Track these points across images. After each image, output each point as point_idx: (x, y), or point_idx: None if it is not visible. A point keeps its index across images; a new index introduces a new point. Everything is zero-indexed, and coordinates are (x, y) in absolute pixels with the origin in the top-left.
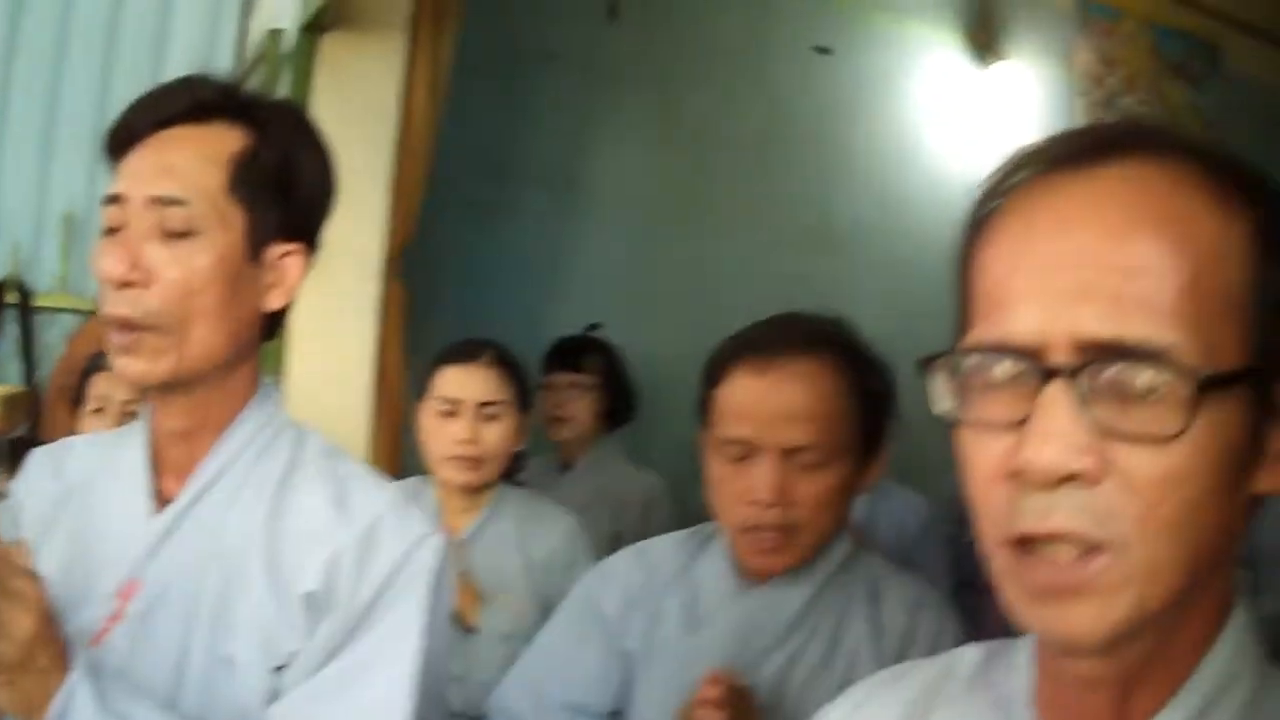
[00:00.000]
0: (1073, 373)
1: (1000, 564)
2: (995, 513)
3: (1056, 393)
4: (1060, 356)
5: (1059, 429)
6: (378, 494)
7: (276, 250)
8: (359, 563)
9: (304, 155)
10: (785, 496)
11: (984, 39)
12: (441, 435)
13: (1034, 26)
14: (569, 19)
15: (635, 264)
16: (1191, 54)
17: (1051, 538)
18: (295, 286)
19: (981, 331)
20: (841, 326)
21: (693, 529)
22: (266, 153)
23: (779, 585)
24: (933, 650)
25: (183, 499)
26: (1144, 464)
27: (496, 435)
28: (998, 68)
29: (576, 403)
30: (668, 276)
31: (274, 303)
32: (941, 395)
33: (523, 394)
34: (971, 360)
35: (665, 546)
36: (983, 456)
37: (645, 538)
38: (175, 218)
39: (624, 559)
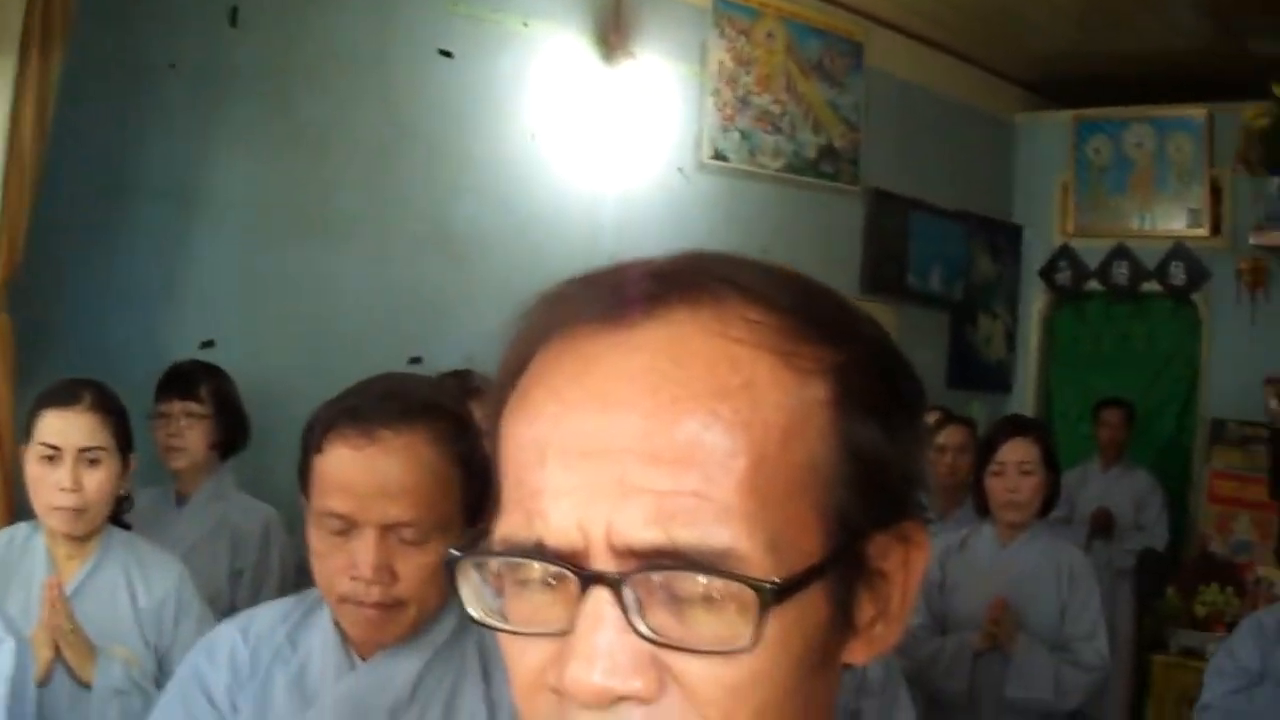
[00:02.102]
0: (618, 580)
1: None
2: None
3: (600, 603)
4: (602, 563)
5: (604, 647)
6: None
7: None
8: None
9: None
10: (387, 573)
11: (614, 39)
12: (44, 483)
13: (667, 25)
14: (189, 27)
15: (254, 276)
16: (831, 52)
17: None
18: None
19: (513, 526)
20: (442, 390)
21: (298, 596)
22: None
23: (387, 659)
24: None
25: None
26: (709, 677)
27: (98, 482)
28: (627, 67)
29: (190, 431)
30: (287, 288)
31: None
32: (472, 598)
33: (124, 436)
34: (503, 562)
35: (269, 617)
36: (523, 666)
37: (266, 572)
38: None
39: (228, 633)
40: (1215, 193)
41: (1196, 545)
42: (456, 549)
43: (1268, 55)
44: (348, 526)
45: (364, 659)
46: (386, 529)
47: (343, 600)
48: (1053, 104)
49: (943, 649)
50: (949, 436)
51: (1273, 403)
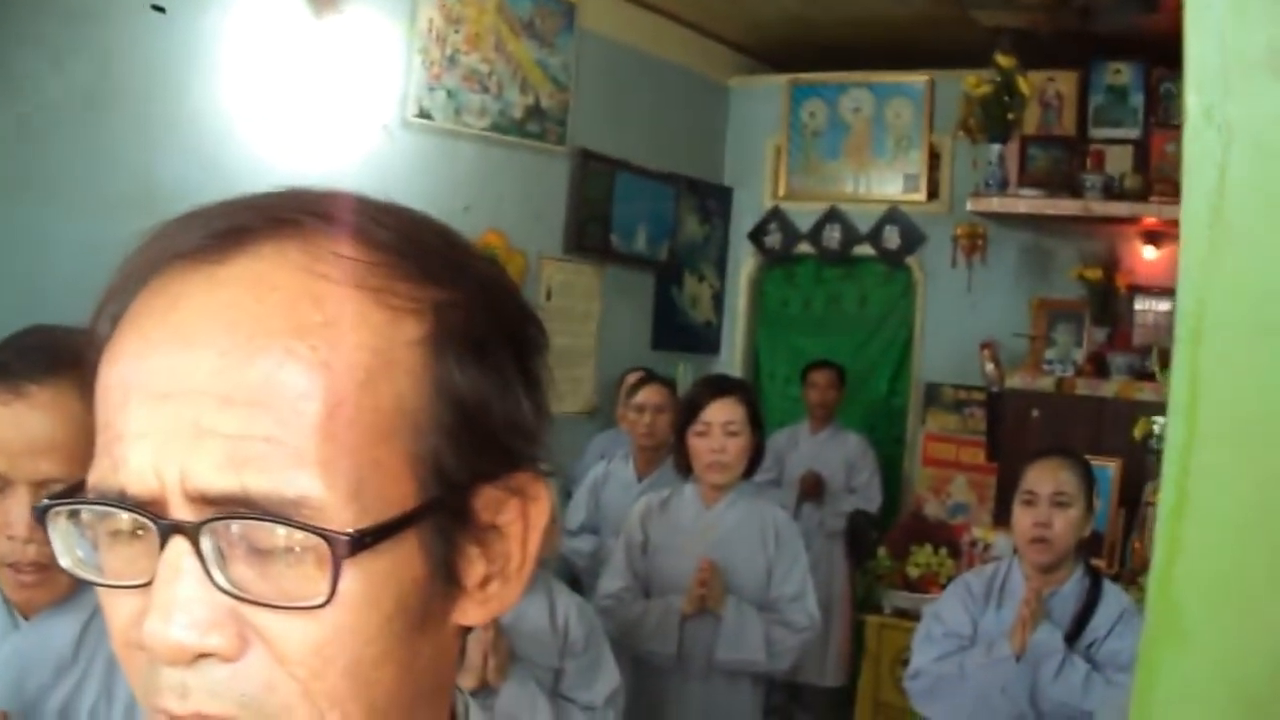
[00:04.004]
0: (196, 530)
1: None
2: (137, 680)
3: (178, 553)
4: (180, 511)
5: (182, 600)
6: None
7: None
8: None
9: None
10: (41, 531)
11: None
12: None
13: None
14: None
15: None
16: (542, 11)
17: (197, 719)
18: None
19: (100, 473)
20: (88, 337)
21: None
22: None
23: (47, 619)
24: None
25: None
26: (293, 634)
27: None
28: (336, 22)
29: None
30: None
31: None
32: (64, 548)
33: None
34: (90, 510)
35: None
36: (117, 621)
37: None
38: None
39: None
40: (934, 159)
41: (911, 508)
42: (50, 497)
43: (991, 24)
44: (1, 485)
45: (27, 618)
46: (39, 486)
47: (1, 561)
48: (770, 69)
49: (649, 611)
50: (647, 396)
51: (989, 367)
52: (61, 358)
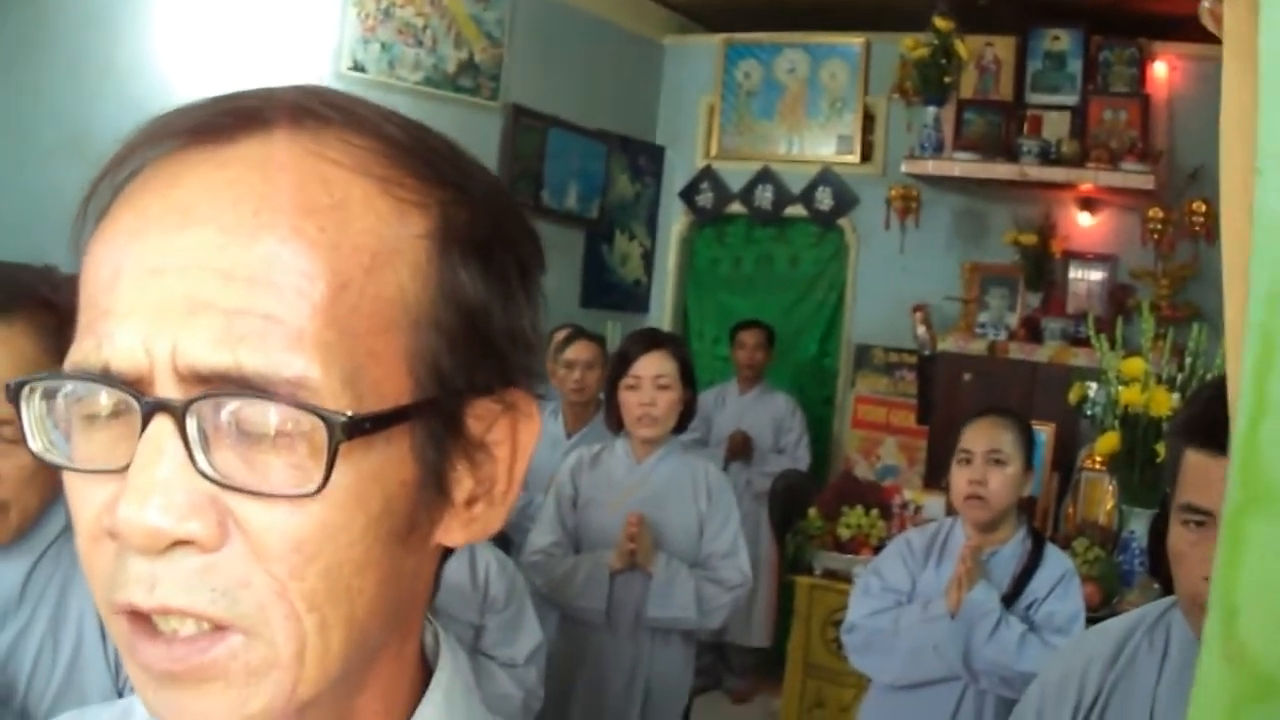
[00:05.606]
0: (182, 409)
1: (116, 634)
2: (100, 575)
3: (160, 434)
4: (166, 388)
5: (161, 482)
6: None
7: None
8: None
9: None
10: None
11: None
12: None
13: None
14: None
15: None
16: None
17: (163, 613)
18: None
19: (83, 352)
20: (48, 280)
21: None
22: None
23: None
24: None
25: None
26: (275, 526)
27: None
28: None
29: None
30: None
31: None
32: (35, 429)
33: None
34: (68, 389)
35: None
36: (84, 510)
37: None
38: None
39: None
40: (868, 120)
41: (841, 469)
42: (18, 379)
43: None
44: None
45: None
46: None
47: None
48: (705, 28)
49: (578, 567)
50: (577, 352)
51: (920, 329)
52: (13, 296)
